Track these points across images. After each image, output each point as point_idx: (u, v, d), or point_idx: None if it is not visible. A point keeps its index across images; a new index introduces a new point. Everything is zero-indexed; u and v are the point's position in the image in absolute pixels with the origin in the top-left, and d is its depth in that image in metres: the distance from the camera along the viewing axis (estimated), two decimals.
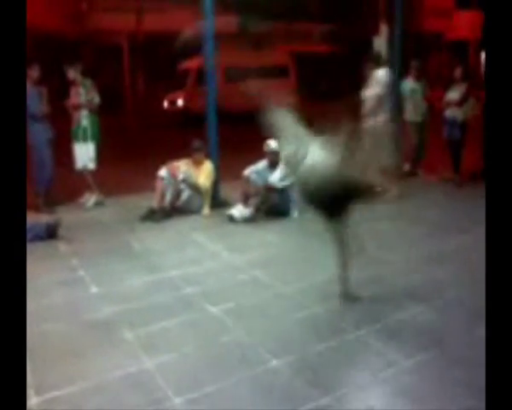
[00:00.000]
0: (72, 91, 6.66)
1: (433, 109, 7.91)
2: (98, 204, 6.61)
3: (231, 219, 5.75)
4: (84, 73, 6.74)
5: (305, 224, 5.66)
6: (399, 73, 7.99)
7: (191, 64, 16.15)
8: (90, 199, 6.64)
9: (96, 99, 6.66)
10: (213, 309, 3.65)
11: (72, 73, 6.61)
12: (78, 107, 6.59)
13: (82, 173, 6.72)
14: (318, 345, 3.13)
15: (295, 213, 5.90)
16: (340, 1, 21.30)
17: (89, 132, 6.63)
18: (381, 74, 6.65)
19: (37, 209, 6.19)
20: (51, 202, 6.39)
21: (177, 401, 2.66)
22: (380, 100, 6.49)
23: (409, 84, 7.86)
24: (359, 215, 5.78)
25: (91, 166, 6.70)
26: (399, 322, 3.42)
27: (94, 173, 6.74)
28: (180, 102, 16.31)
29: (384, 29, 8.15)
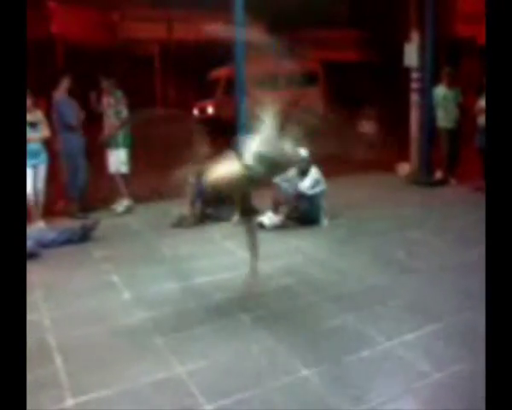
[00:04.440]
0: (104, 100, 6.82)
1: (467, 116, 7.77)
2: (128, 210, 6.72)
3: (261, 226, 5.76)
4: (116, 85, 6.89)
5: (334, 231, 5.64)
6: (432, 80, 7.91)
7: (221, 73, 16.29)
8: (122, 204, 6.76)
9: (124, 113, 6.79)
10: (244, 316, 3.67)
11: (106, 84, 6.78)
12: (112, 127, 6.76)
13: (114, 179, 6.85)
14: (349, 355, 3.10)
15: (325, 221, 5.88)
16: (371, 8, 21.17)
17: (120, 140, 6.78)
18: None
19: (71, 215, 6.35)
20: (85, 208, 6.53)
21: (208, 408, 2.67)
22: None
23: (441, 91, 7.75)
24: (388, 223, 5.81)
25: (123, 169, 6.84)
26: (431, 333, 3.37)
27: (126, 179, 6.86)
28: (210, 110, 16.46)
29: (415, 36, 8.06)
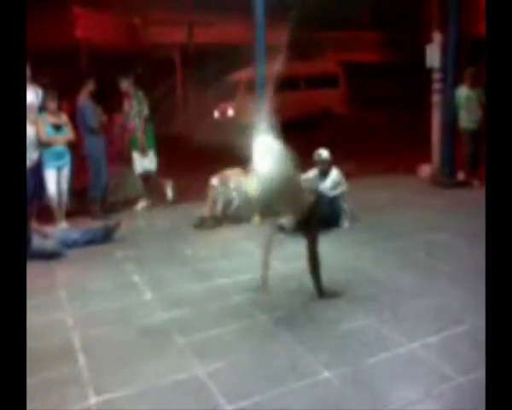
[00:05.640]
0: (125, 103, 6.90)
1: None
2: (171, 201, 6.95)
3: (281, 228, 5.75)
4: (136, 85, 6.96)
5: (355, 233, 5.61)
6: (454, 81, 7.81)
7: (241, 75, 16.34)
8: (169, 192, 6.95)
9: (146, 112, 6.87)
10: (264, 317, 3.67)
11: (126, 85, 6.84)
12: (129, 129, 6.89)
13: (147, 180, 6.99)
14: (370, 357, 3.08)
15: (345, 223, 5.85)
16: (391, 9, 21.01)
17: (145, 141, 6.87)
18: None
19: (93, 216, 6.44)
20: (107, 209, 6.63)
21: (229, 408, 2.68)
22: None
23: (464, 91, 7.66)
24: (409, 225, 5.75)
25: (153, 167, 6.95)
26: (455, 336, 3.32)
27: (154, 179, 7.00)
28: (230, 112, 16.52)
29: (437, 36, 7.98)
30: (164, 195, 7.14)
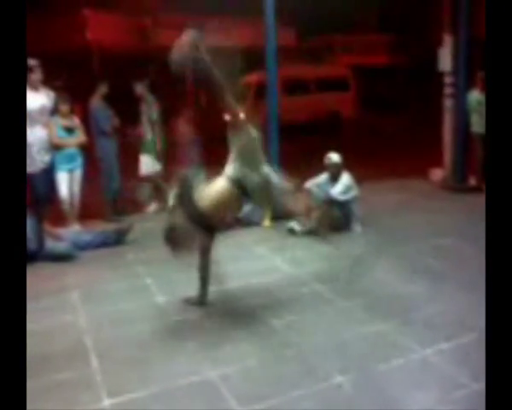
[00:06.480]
0: (142, 106, 6.96)
1: None
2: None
3: (292, 231, 5.77)
4: (149, 89, 7.01)
5: (366, 238, 5.59)
6: (465, 85, 7.77)
7: (251, 78, 16.35)
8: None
9: (155, 116, 6.91)
10: (276, 322, 3.67)
11: (140, 89, 6.90)
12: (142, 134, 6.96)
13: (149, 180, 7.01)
14: (383, 363, 3.08)
15: (357, 228, 5.84)
16: (401, 11, 20.97)
17: (152, 145, 6.92)
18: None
19: (105, 218, 6.48)
20: (119, 211, 6.66)
21: None
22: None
23: (475, 95, 7.61)
24: (420, 230, 5.72)
25: (157, 167, 6.98)
26: (467, 342, 3.31)
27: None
28: (241, 116, 16.54)
29: (448, 39, 7.94)
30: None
